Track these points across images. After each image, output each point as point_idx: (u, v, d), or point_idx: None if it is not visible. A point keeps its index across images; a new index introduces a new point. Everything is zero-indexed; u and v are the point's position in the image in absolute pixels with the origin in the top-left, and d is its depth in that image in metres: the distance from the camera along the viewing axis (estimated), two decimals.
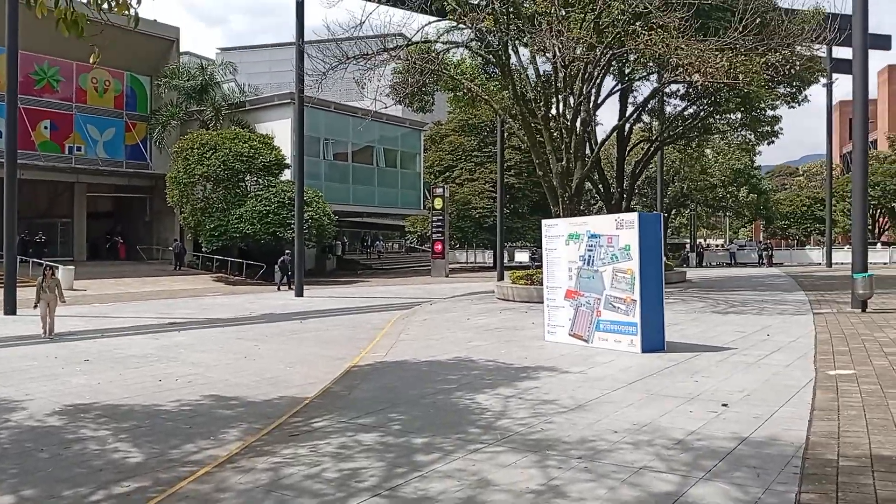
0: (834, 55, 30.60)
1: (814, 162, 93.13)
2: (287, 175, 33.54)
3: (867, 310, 14.75)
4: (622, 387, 7.65)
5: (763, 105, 22.22)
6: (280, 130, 36.32)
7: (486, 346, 11.12)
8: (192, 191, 31.90)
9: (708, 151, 46.04)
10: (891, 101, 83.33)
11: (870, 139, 78.15)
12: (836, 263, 40.07)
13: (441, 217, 38.42)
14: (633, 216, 10.07)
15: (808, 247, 55.99)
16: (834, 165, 79.65)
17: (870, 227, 58.64)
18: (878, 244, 50.87)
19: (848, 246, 49.01)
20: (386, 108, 18.63)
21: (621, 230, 10.16)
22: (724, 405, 6.63)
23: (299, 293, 24.78)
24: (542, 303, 19.14)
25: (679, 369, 8.63)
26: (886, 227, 60.49)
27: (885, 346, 9.91)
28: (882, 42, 37.44)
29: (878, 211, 58.58)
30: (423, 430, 6.08)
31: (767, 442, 5.40)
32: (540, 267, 21.27)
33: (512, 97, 21.55)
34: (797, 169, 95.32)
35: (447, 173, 45.62)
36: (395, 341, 12.07)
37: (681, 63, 19.37)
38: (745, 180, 49.12)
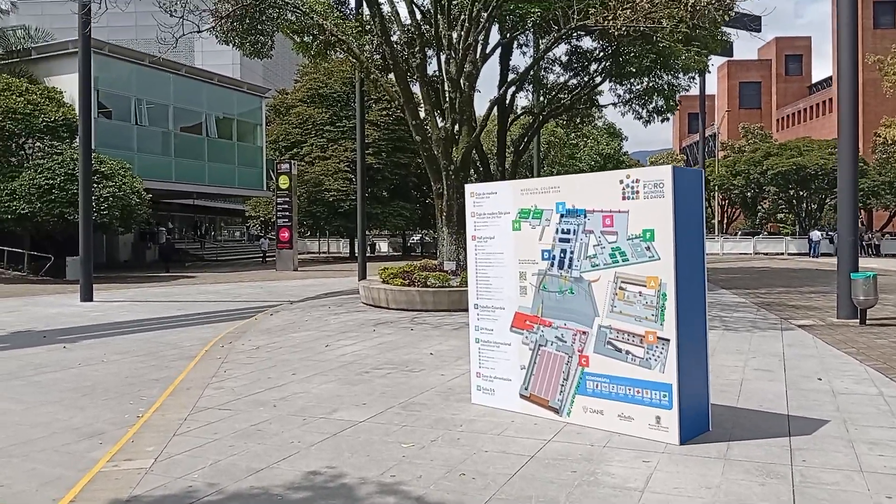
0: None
1: (660, 154, 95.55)
2: None
3: (867, 321, 11.08)
4: None
5: (683, 62, 18.31)
6: (76, 86, 28.36)
7: (366, 426, 5.72)
8: None
9: (572, 135, 43.26)
10: (730, 94, 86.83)
11: (709, 132, 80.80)
12: (708, 253, 38.57)
13: (288, 199, 32.17)
14: (664, 171, 5.11)
15: None
16: (676, 157, 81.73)
17: (718, 220, 59.32)
18: (738, 234, 50.93)
19: (721, 236, 48.47)
20: (199, 32, 12.66)
21: (633, 201, 5.19)
22: None
23: (87, 296, 17.98)
24: (427, 311, 14.11)
25: None
26: (736, 217, 61.17)
27: None
28: (755, 24, 36.05)
29: (728, 201, 59.18)
30: None
31: None
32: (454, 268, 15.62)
33: (381, 36, 16.19)
34: (637, 161, 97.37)
35: (295, 150, 39.20)
36: (191, 409, 6.42)
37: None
38: (613, 166, 47.01)
